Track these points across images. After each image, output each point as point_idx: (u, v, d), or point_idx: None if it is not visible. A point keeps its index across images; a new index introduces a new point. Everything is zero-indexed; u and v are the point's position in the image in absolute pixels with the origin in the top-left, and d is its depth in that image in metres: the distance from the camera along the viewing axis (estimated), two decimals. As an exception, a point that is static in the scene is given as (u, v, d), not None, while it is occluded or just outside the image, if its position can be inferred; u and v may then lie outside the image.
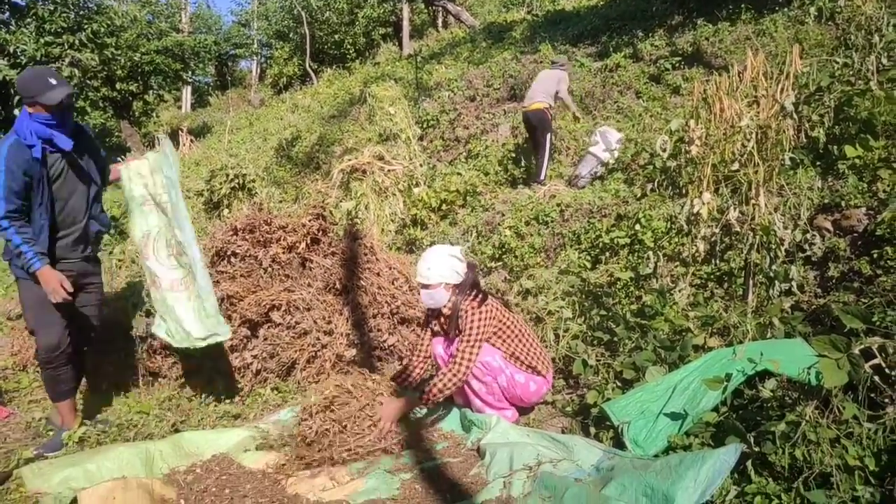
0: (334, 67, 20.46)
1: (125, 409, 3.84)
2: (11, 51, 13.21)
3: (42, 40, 13.44)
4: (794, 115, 3.46)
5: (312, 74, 20.74)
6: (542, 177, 7.17)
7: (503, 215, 6.31)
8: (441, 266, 3.28)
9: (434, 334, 3.53)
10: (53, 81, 3.12)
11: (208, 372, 4.11)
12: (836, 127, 4.51)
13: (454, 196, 7.07)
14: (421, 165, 8.00)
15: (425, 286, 3.32)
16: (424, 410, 3.52)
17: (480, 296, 3.30)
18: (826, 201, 4.05)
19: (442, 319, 3.44)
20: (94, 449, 3.13)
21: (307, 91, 18.55)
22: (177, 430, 3.49)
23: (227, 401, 3.98)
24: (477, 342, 3.18)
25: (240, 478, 2.86)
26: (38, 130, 3.13)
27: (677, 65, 8.74)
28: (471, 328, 3.18)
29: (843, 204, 3.93)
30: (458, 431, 3.28)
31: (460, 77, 11.40)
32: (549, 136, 7.20)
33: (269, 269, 4.59)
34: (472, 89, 10.66)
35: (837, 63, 5.02)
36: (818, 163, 4.51)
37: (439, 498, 2.61)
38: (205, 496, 2.70)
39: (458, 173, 7.58)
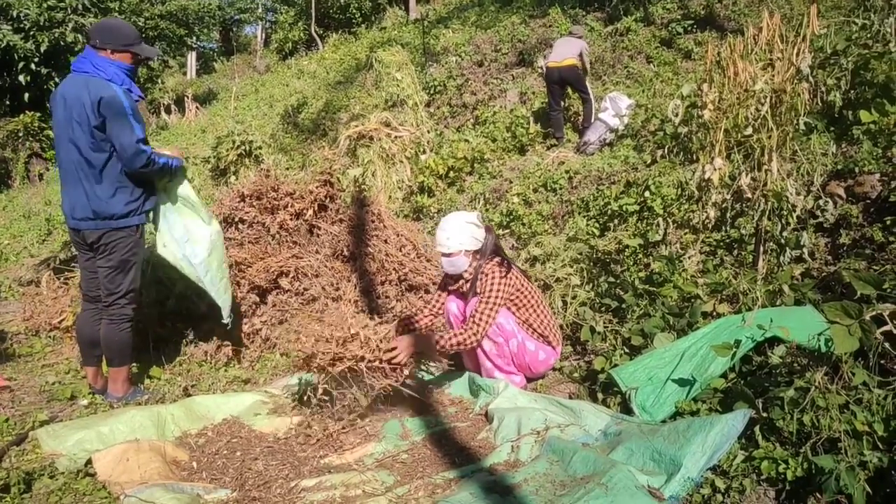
0: (340, 32, 20.13)
1: (136, 373, 3.88)
2: (14, 15, 13.07)
3: (45, 4, 13.27)
4: (810, 79, 3.39)
5: (318, 40, 20.44)
6: (592, 119, 7.12)
7: (511, 182, 6.27)
8: (459, 233, 3.29)
9: (450, 293, 3.55)
10: (122, 16, 3.18)
11: (218, 338, 4.13)
12: (852, 91, 4.42)
13: (461, 163, 7.02)
14: (428, 132, 7.92)
15: (446, 255, 3.34)
16: (432, 375, 3.54)
17: (503, 260, 3.33)
18: (839, 167, 3.99)
19: (462, 282, 3.45)
20: (106, 412, 3.18)
21: (313, 57, 18.32)
22: (188, 395, 3.53)
23: (237, 366, 4.02)
24: (496, 305, 3.20)
25: (250, 441, 2.90)
26: (123, 78, 3.21)
27: (689, 28, 8.58)
28: (490, 290, 3.21)
29: (856, 170, 3.87)
30: (466, 396, 3.30)
31: (468, 42, 11.22)
32: (588, 84, 7.19)
33: (277, 236, 4.59)
34: (479, 54, 10.50)
35: (855, 25, 4.90)
36: (832, 128, 4.44)
37: (448, 462, 2.63)
38: (216, 458, 2.74)
39: (466, 140, 7.51)
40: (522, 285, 3.35)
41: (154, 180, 3.37)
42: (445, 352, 3.23)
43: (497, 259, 3.31)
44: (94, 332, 3.36)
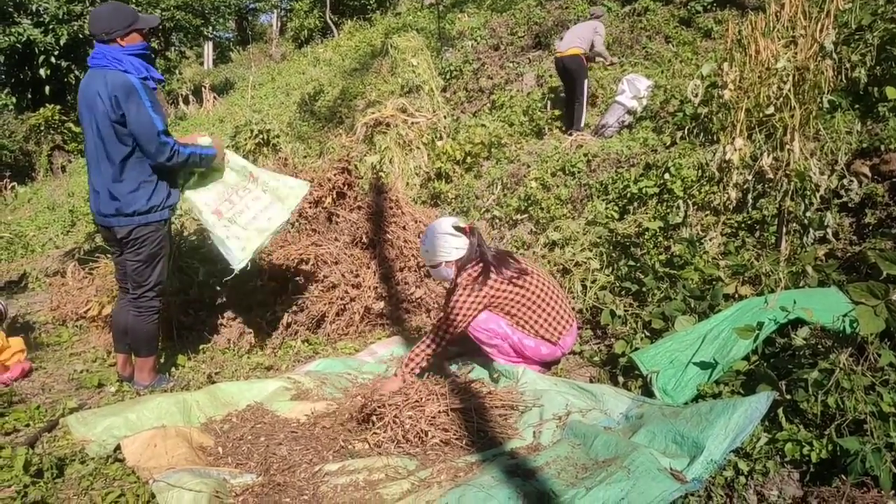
0: (355, 19, 20.08)
1: (161, 361, 3.94)
2: (34, 9, 13.21)
3: (63, -2, 13.41)
4: (834, 56, 3.31)
5: (333, 27, 20.41)
6: (581, 124, 7.04)
7: (529, 167, 6.23)
8: (436, 246, 3.28)
9: None
10: (138, 8, 3.15)
11: (240, 325, 4.18)
12: (878, 67, 4.32)
13: (479, 148, 6.98)
14: (445, 117, 7.89)
15: (429, 265, 3.41)
16: (456, 366, 3.56)
17: (481, 269, 3.22)
18: (864, 145, 3.91)
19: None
20: (134, 399, 3.24)
21: (328, 44, 18.29)
22: (212, 381, 3.58)
23: (260, 353, 4.07)
24: (457, 317, 3.14)
25: (274, 426, 2.94)
26: (139, 67, 3.18)
27: (709, 6, 8.42)
28: (455, 302, 3.16)
29: (882, 148, 3.79)
30: (487, 380, 3.31)
31: (483, 25, 11.12)
32: (585, 82, 7.06)
33: (296, 224, 4.62)
34: (495, 38, 10.41)
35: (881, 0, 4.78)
36: (857, 105, 4.35)
37: (469, 446, 2.65)
38: (241, 444, 2.78)
39: (483, 125, 7.47)
40: (506, 290, 3.22)
41: (179, 173, 3.39)
42: (414, 373, 3.16)
43: (476, 268, 3.22)
44: (127, 321, 3.42)
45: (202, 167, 3.47)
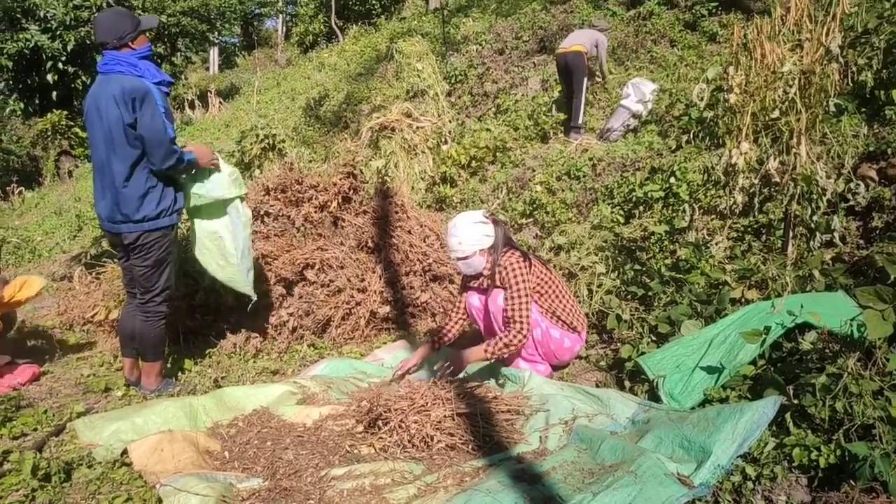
0: (360, 24, 20.14)
1: (166, 366, 3.95)
2: (42, 15, 13.30)
3: (71, 3, 13.48)
4: (840, 59, 3.30)
5: (338, 32, 20.49)
6: (579, 122, 7.00)
7: (534, 171, 6.24)
8: (470, 235, 3.27)
9: (470, 290, 3.54)
10: (140, 13, 3.17)
11: (246, 329, 4.19)
12: (885, 71, 4.31)
13: (484, 152, 6.99)
14: (450, 122, 7.90)
15: (461, 258, 3.33)
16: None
17: (516, 250, 3.30)
18: (871, 149, 3.90)
19: (482, 279, 3.43)
20: (140, 403, 3.25)
21: (333, 49, 18.36)
22: (218, 386, 3.59)
23: (266, 357, 4.07)
24: (527, 296, 3.17)
25: (280, 430, 2.94)
26: (154, 73, 3.21)
27: (714, 10, 8.42)
28: (516, 284, 3.17)
29: (889, 151, 3.78)
30: (492, 386, 3.30)
31: (488, 30, 11.14)
32: (585, 80, 7.02)
33: (302, 229, 4.63)
34: (500, 42, 10.42)
35: (888, 2, 4.77)
36: (864, 109, 4.34)
37: (475, 450, 2.64)
38: (247, 448, 2.79)
39: (488, 129, 7.47)
40: (543, 274, 3.33)
41: (178, 178, 3.41)
42: (497, 358, 3.24)
43: (513, 251, 3.28)
44: (134, 326, 3.43)
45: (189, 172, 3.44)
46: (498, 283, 3.28)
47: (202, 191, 3.49)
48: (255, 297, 3.81)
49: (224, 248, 3.62)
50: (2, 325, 3.93)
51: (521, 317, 3.15)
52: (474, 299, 3.48)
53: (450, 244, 3.34)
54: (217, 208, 3.58)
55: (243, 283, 3.73)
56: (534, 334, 3.26)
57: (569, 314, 3.36)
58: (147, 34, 3.33)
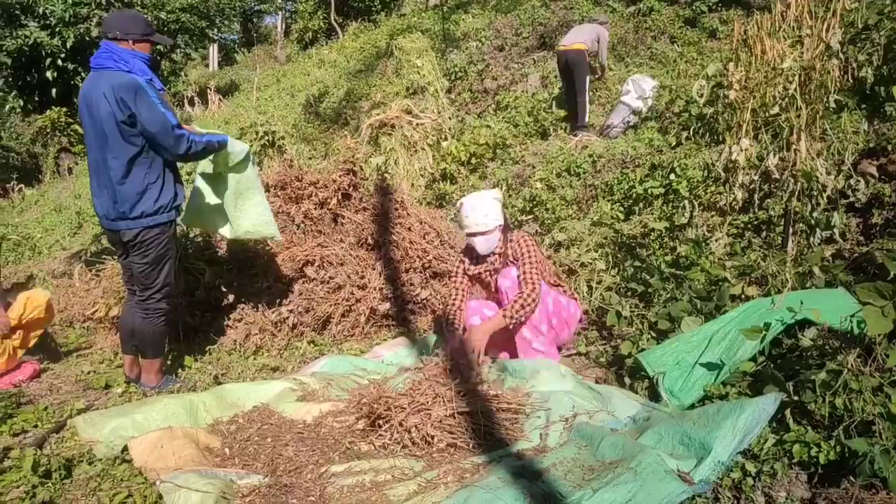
0: (359, 20, 20.09)
1: (166, 362, 3.95)
2: (41, 12, 13.26)
3: (70, 0, 13.44)
4: (840, 55, 3.30)
5: (338, 28, 20.43)
6: (585, 119, 6.98)
7: (534, 168, 6.23)
8: (494, 210, 3.47)
9: (471, 279, 3.67)
10: (143, 11, 3.19)
11: (245, 326, 4.19)
12: (885, 67, 4.31)
13: (483, 149, 6.98)
14: (449, 118, 7.89)
15: (483, 233, 3.45)
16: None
17: (524, 232, 3.59)
18: (871, 145, 3.90)
19: (494, 257, 3.55)
20: (141, 400, 3.25)
21: (333, 46, 18.30)
22: (218, 383, 3.59)
23: (266, 354, 4.07)
24: (538, 264, 3.38)
25: (280, 427, 2.94)
26: (145, 70, 3.21)
27: (714, 6, 8.40)
28: (528, 255, 3.38)
29: (889, 148, 3.78)
30: (493, 380, 3.30)
31: (488, 26, 11.11)
32: (587, 79, 6.99)
33: (302, 225, 4.63)
34: (500, 39, 10.40)
35: (887, -1, 4.76)
36: (864, 105, 4.33)
37: (476, 447, 2.65)
38: (247, 445, 2.79)
39: (488, 126, 7.46)
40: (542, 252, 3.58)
41: (179, 170, 3.40)
42: (516, 322, 3.32)
43: (521, 230, 3.52)
44: (134, 323, 3.43)
45: (218, 152, 3.47)
46: (511, 259, 3.44)
47: (236, 149, 3.57)
48: (280, 237, 3.97)
49: (261, 192, 3.76)
50: (36, 340, 3.97)
51: (532, 279, 3.32)
52: (475, 320, 3.53)
53: (472, 219, 3.45)
54: (246, 161, 3.67)
55: (272, 222, 3.79)
56: (546, 304, 3.36)
57: (566, 290, 3.63)
58: (152, 46, 3.35)
